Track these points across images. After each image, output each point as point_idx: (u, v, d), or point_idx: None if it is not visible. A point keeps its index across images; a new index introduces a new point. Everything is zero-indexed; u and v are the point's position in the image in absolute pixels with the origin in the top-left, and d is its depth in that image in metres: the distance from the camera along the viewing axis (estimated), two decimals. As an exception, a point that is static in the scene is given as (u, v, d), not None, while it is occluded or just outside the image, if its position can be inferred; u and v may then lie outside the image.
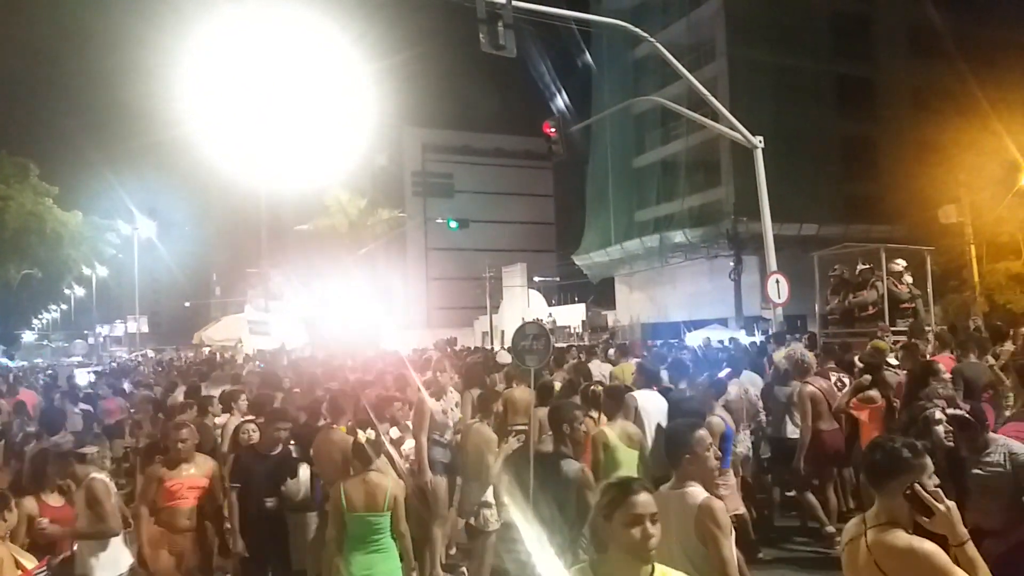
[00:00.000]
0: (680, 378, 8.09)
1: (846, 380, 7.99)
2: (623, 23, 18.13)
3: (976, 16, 35.41)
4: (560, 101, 45.99)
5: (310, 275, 42.91)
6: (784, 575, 7.07)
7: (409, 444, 7.07)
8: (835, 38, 37.37)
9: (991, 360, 8.13)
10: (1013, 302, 27.24)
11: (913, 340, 9.31)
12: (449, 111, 63.39)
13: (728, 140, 19.93)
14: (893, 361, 8.51)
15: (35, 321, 76.13)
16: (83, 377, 21.31)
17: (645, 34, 16.28)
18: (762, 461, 8.31)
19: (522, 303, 45.72)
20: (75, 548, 5.40)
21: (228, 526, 5.94)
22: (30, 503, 5.27)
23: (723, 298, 34.18)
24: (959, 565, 2.72)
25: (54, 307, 78.56)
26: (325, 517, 5.61)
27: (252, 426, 6.64)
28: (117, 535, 5.47)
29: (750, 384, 8.51)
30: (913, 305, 12.14)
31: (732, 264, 32.65)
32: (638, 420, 6.73)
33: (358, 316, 30.93)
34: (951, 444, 4.56)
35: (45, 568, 4.72)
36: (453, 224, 38.37)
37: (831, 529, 7.46)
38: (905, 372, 7.35)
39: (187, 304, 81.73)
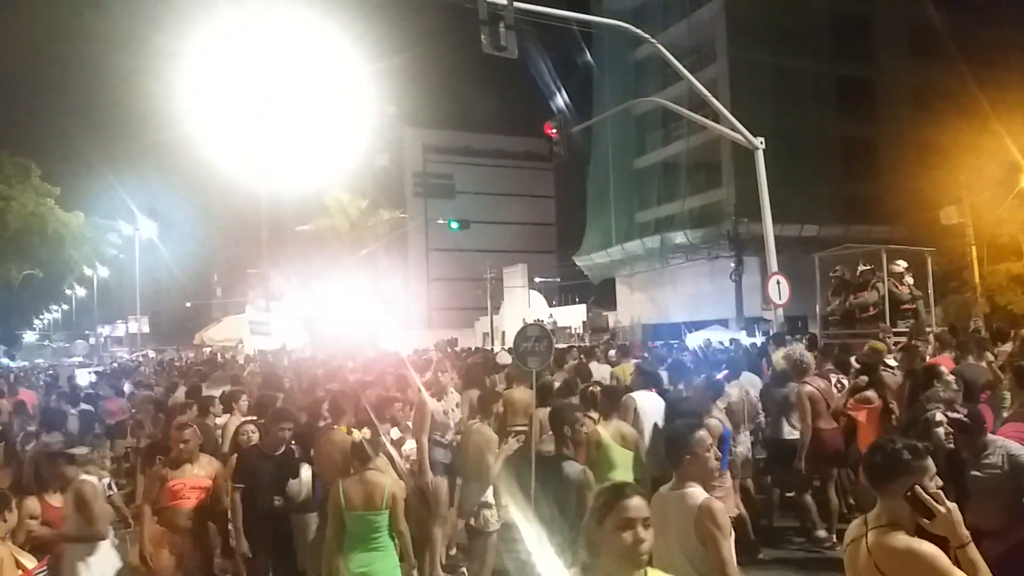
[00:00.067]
0: (679, 379, 8.10)
1: (845, 381, 7.99)
2: (624, 24, 18.13)
3: (976, 17, 35.42)
4: (561, 102, 45.94)
5: (311, 276, 42.89)
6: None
7: (410, 445, 7.08)
8: (835, 39, 37.36)
9: (991, 357, 8.14)
10: (1014, 303, 27.22)
11: (913, 341, 9.32)
12: (450, 112, 63.52)
13: (729, 141, 19.93)
14: (892, 362, 8.52)
15: (36, 321, 76.21)
16: (84, 377, 21.30)
17: (646, 35, 16.28)
18: (757, 462, 8.30)
19: (523, 304, 45.74)
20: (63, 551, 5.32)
21: (231, 527, 5.93)
22: (32, 503, 5.27)
23: (724, 299, 34.18)
24: (961, 567, 2.71)
25: (55, 307, 78.62)
26: (325, 517, 5.62)
27: (251, 427, 6.64)
28: (105, 539, 5.39)
29: (749, 386, 8.51)
30: (914, 306, 12.15)
31: (733, 265, 32.65)
32: (637, 421, 6.74)
33: (359, 317, 30.95)
34: (951, 446, 4.55)
35: (45, 568, 4.72)
36: (454, 225, 38.39)
37: (823, 533, 7.54)
38: (903, 373, 7.36)
39: (188, 304, 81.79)
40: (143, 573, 5.76)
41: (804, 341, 11.56)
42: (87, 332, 70.95)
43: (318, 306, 35.22)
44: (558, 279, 55.01)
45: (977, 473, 4.43)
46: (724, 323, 31.47)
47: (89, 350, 52.29)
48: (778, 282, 15.23)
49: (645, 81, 39.29)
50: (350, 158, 27.01)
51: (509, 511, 5.91)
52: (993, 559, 2.83)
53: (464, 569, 7.03)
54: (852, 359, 8.65)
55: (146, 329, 68.57)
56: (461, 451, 6.77)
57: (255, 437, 6.44)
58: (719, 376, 7.73)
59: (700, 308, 36.94)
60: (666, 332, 32.02)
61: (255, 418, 7.38)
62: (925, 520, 2.77)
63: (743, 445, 7.83)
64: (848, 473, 7.89)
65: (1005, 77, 29.09)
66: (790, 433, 7.81)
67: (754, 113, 25.02)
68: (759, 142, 15.74)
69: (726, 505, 5.45)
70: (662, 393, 7.52)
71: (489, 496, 6.39)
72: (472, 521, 6.45)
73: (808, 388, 7.62)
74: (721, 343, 19.95)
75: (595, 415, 6.55)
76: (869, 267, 12.46)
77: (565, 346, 18.30)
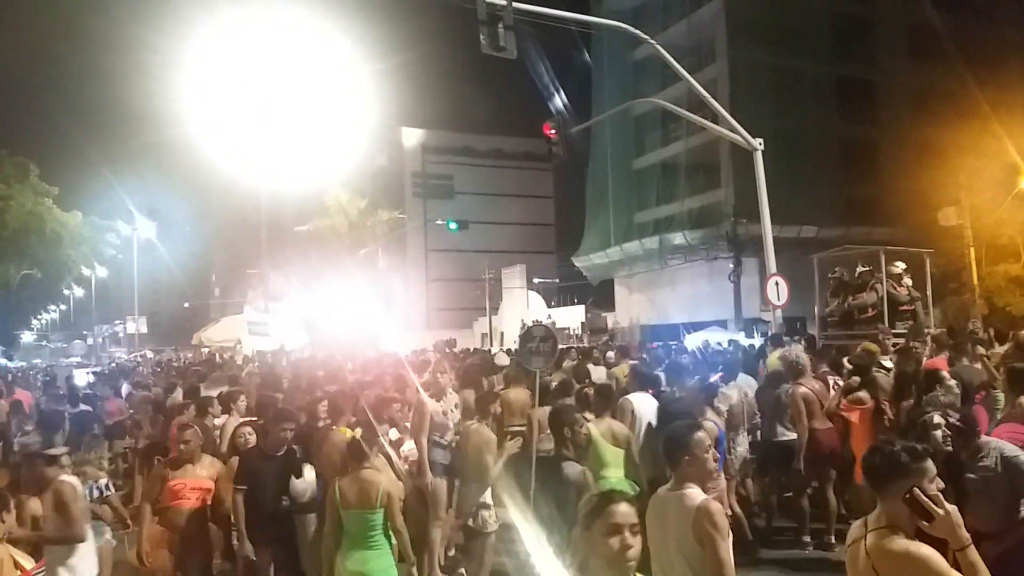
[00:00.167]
0: (676, 380, 8.11)
1: (842, 383, 8.00)
2: (623, 25, 18.13)
3: (976, 18, 35.45)
4: (560, 102, 46.01)
5: (310, 276, 42.89)
6: (783, 577, 7.09)
7: (408, 446, 7.07)
8: (835, 40, 37.37)
9: (982, 350, 8.16)
10: (1012, 305, 27.24)
11: (911, 343, 9.32)
12: (449, 112, 63.63)
13: (728, 142, 19.94)
14: (888, 363, 8.52)
15: (34, 321, 76.25)
16: (82, 378, 21.26)
17: (645, 36, 16.29)
18: (753, 462, 8.31)
19: (521, 305, 45.72)
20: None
21: (234, 529, 5.87)
22: (34, 504, 5.26)
23: (722, 300, 34.19)
24: (961, 570, 2.70)
25: (53, 307, 78.66)
26: (324, 517, 5.62)
27: (248, 429, 6.61)
28: (83, 541, 5.26)
29: (747, 387, 8.52)
30: (913, 307, 12.14)
31: (732, 266, 32.65)
32: (634, 423, 6.75)
33: (357, 317, 30.94)
34: (950, 448, 4.55)
35: (43, 568, 4.72)
36: (453, 225, 38.38)
37: (807, 538, 7.60)
38: (894, 374, 7.36)
39: (186, 305, 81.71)
40: (141, 573, 5.74)
41: (802, 342, 11.57)
42: (85, 332, 70.96)
43: (317, 307, 35.22)
44: (557, 280, 55.00)
45: (972, 475, 4.43)
46: (723, 324, 31.48)
47: (87, 350, 52.25)
48: (777, 283, 15.23)
49: (644, 82, 39.30)
50: (349, 158, 27.06)
51: (507, 512, 5.91)
52: (990, 561, 2.82)
53: (463, 570, 7.02)
54: (845, 360, 8.66)
55: (144, 329, 68.55)
56: (460, 452, 6.76)
57: (252, 439, 6.40)
58: (713, 378, 7.74)
59: (699, 309, 36.95)
60: (665, 333, 32.02)
61: (253, 419, 7.37)
62: (924, 523, 2.76)
63: (743, 446, 7.85)
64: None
65: (1005, 78, 29.09)
66: (783, 434, 7.81)
67: (754, 114, 25.06)
68: (758, 143, 15.75)
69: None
70: (657, 395, 7.52)
71: (487, 497, 6.39)
72: (470, 522, 6.45)
73: (802, 389, 7.61)
74: (719, 344, 19.97)
75: (590, 415, 6.57)
76: (868, 268, 12.45)
77: (563, 347, 18.30)
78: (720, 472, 6.40)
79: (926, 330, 11.53)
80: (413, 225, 56.40)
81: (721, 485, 6.45)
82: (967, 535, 2.75)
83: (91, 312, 68.93)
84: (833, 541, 7.36)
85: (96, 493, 6.31)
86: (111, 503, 6.50)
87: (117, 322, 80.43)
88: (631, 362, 10.60)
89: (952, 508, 2.77)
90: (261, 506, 5.71)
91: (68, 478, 5.33)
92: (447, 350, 19.16)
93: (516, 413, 7.91)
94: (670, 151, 41.83)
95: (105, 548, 6.32)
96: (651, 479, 5.93)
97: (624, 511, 2.66)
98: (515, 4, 12.75)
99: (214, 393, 9.39)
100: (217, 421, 8.13)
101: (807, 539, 7.61)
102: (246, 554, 5.64)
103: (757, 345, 15.49)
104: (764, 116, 28.02)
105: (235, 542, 5.84)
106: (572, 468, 5.08)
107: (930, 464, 2.90)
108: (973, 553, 2.75)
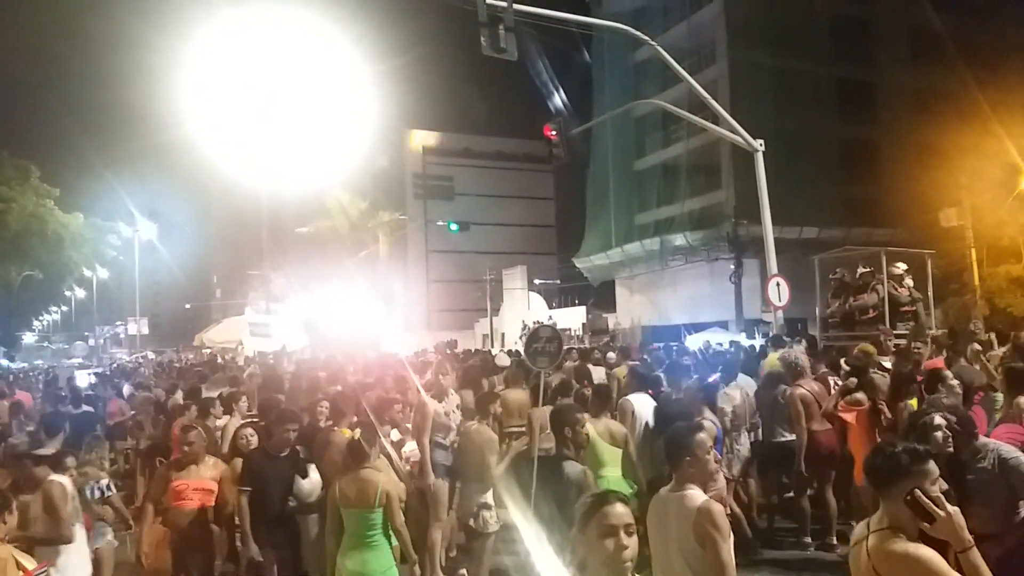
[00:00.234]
0: (677, 381, 8.12)
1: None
2: (624, 26, 18.13)
3: (976, 19, 35.45)
4: (560, 104, 46.06)
5: (311, 277, 42.93)
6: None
7: (410, 447, 7.08)
8: (835, 41, 37.37)
9: (977, 347, 8.17)
10: (1014, 306, 27.20)
11: (913, 344, 9.32)
12: (450, 114, 63.53)
13: (729, 143, 19.94)
14: (889, 364, 8.53)
15: (36, 323, 76.25)
16: (83, 379, 21.27)
17: (646, 37, 16.30)
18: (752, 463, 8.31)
19: (522, 306, 45.75)
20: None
21: (238, 530, 5.87)
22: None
23: (723, 301, 34.17)
24: (963, 572, 2.70)
25: (55, 309, 78.66)
26: (324, 517, 5.63)
27: (250, 430, 6.60)
28: (70, 542, 5.23)
29: (747, 387, 8.53)
30: (914, 309, 12.14)
31: (732, 267, 32.64)
32: (635, 424, 6.76)
33: (358, 318, 30.96)
34: (951, 449, 4.55)
35: (45, 569, 4.72)
36: (454, 227, 38.50)
37: (808, 539, 7.61)
38: (890, 375, 7.38)
39: (188, 306, 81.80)
40: (141, 573, 5.75)
41: (803, 344, 11.57)
42: (86, 333, 70.99)
43: (318, 308, 35.24)
44: (558, 281, 55.01)
45: (970, 476, 4.42)
46: (724, 325, 31.47)
47: (88, 351, 52.34)
48: (778, 284, 15.23)
49: (645, 83, 39.28)
50: (350, 160, 27.05)
51: (508, 512, 5.92)
52: (989, 562, 2.82)
53: (464, 571, 7.03)
54: (843, 361, 8.66)
55: (145, 330, 68.53)
56: (462, 452, 6.77)
57: (254, 440, 6.38)
58: (711, 379, 7.75)
59: (700, 310, 36.93)
60: (666, 334, 32.02)
61: (254, 420, 7.36)
62: (926, 524, 2.76)
63: (745, 446, 7.85)
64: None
65: (1005, 79, 29.06)
66: (782, 435, 7.81)
67: (754, 115, 25.03)
68: (759, 144, 15.75)
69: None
70: (657, 396, 7.53)
71: (489, 498, 6.39)
72: (471, 522, 6.45)
73: (800, 391, 7.61)
74: (720, 345, 19.95)
75: (586, 416, 6.58)
76: (869, 269, 12.45)
77: (565, 348, 18.28)
78: (719, 472, 6.41)
79: (927, 331, 11.53)
80: (414, 226, 56.48)
81: (720, 483, 6.46)
82: (969, 537, 2.74)
83: (92, 313, 68.94)
84: (835, 542, 7.36)
85: (98, 493, 6.31)
86: (113, 503, 6.50)
87: (118, 323, 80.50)
88: (630, 363, 10.62)
89: (954, 510, 2.76)
90: (266, 507, 5.70)
91: (57, 478, 5.29)
92: (448, 351, 19.18)
93: (514, 414, 7.93)
94: (671, 152, 41.83)
95: (107, 549, 6.33)
96: (650, 480, 5.94)
97: (619, 512, 2.65)
98: (516, 6, 12.75)
99: (214, 394, 9.40)
100: (219, 422, 8.13)
101: (808, 540, 7.62)
102: (252, 556, 5.61)
103: (758, 346, 15.50)
104: (764, 117, 28.00)
105: (239, 544, 5.84)
106: (573, 467, 5.09)
107: (932, 466, 2.90)
108: (976, 555, 2.73)
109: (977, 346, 8.16)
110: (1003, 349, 9.02)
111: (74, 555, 5.29)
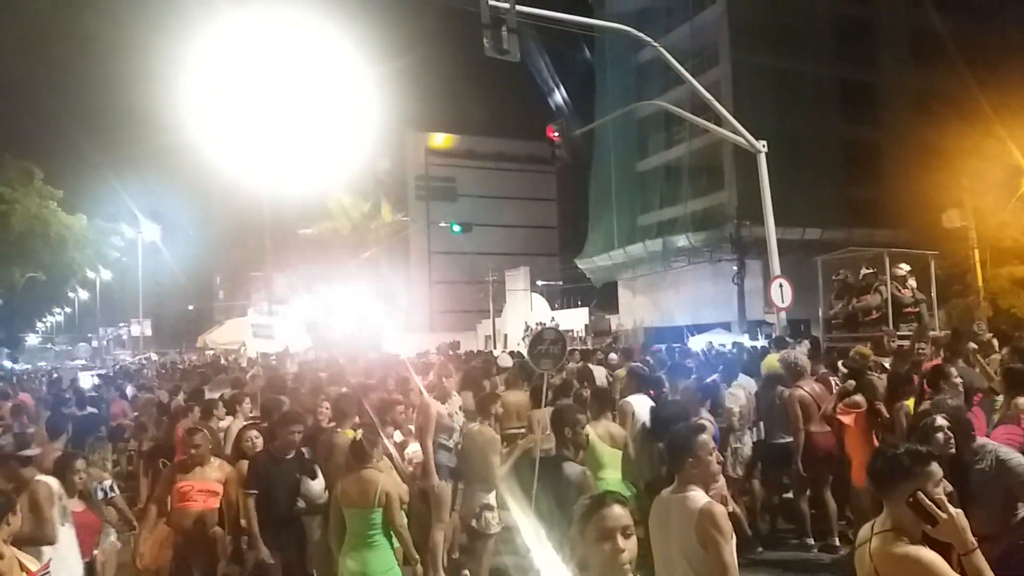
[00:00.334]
0: (678, 382, 8.12)
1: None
2: (626, 28, 18.14)
3: (978, 20, 35.42)
4: (563, 105, 46.05)
5: (313, 279, 42.97)
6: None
7: (412, 448, 7.08)
8: (838, 42, 37.35)
9: (974, 346, 8.16)
10: (1017, 306, 27.17)
11: (916, 345, 9.31)
12: (452, 115, 63.54)
13: (731, 144, 19.95)
14: (888, 365, 8.52)
15: (39, 324, 76.40)
16: (87, 380, 21.34)
17: (648, 38, 16.30)
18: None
19: (525, 307, 45.75)
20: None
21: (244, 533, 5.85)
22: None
23: (726, 302, 34.16)
24: (966, 574, 2.69)
25: (58, 310, 78.80)
26: (327, 518, 5.65)
27: (255, 432, 6.59)
28: (53, 543, 5.11)
29: (749, 388, 8.53)
30: (917, 310, 12.13)
31: (735, 268, 32.65)
32: (635, 425, 6.77)
33: (361, 320, 31.00)
34: (953, 451, 4.54)
35: (48, 570, 4.73)
36: (456, 228, 38.50)
37: (810, 540, 7.61)
38: (887, 376, 7.38)
39: (191, 307, 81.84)
40: (143, 574, 5.75)
41: (807, 345, 11.56)
42: (89, 335, 71.15)
43: (320, 309, 35.28)
44: (560, 282, 55.00)
45: (968, 478, 4.42)
46: (726, 326, 31.49)
47: (91, 353, 52.45)
48: (780, 285, 15.22)
49: (647, 84, 39.27)
50: (352, 161, 27.02)
51: (510, 513, 5.92)
52: (988, 563, 2.82)
53: (466, 572, 7.03)
54: (840, 363, 8.66)
55: (148, 332, 68.53)
56: (464, 453, 6.77)
57: (259, 442, 6.36)
58: (710, 379, 7.75)
59: (702, 311, 36.91)
60: (668, 335, 32.01)
61: (257, 421, 7.36)
62: (928, 526, 2.75)
63: (747, 446, 7.85)
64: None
65: (1007, 80, 29.03)
66: (780, 436, 7.81)
67: (756, 116, 25.03)
68: (761, 145, 15.74)
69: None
70: (656, 397, 7.54)
71: (492, 499, 6.40)
72: (474, 523, 6.46)
73: (799, 392, 7.60)
74: (723, 346, 19.95)
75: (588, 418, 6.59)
76: (872, 270, 12.44)
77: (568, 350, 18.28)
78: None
79: (931, 332, 11.51)
80: (416, 228, 56.50)
81: (721, 484, 6.46)
82: (973, 539, 2.73)
83: (95, 315, 69.05)
84: (837, 543, 7.36)
85: (101, 494, 6.32)
86: (116, 504, 6.50)
87: (121, 325, 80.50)
88: (630, 364, 10.62)
89: (957, 512, 2.75)
90: (273, 510, 5.67)
91: (44, 479, 5.23)
92: (451, 352, 19.17)
93: (514, 416, 7.93)
94: (673, 153, 41.82)
95: (110, 549, 6.33)
96: (647, 481, 5.94)
97: (616, 514, 2.64)
98: (518, 7, 12.76)
99: (217, 395, 9.41)
100: (222, 424, 8.13)
101: (810, 541, 7.61)
102: (262, 558, 5.57)
103: (759, 348, 15.49)
104: (767, 118, 28.00)
105: (244, 546, 5.84)
106: (573, 468, 5.09)
107: (935, 467, 2.89)
108: (979, 557, 2.72)
109: (974, 345, 8.14)
110: (1003, 352, 9.01)
111: (61, 557, 5.20)
